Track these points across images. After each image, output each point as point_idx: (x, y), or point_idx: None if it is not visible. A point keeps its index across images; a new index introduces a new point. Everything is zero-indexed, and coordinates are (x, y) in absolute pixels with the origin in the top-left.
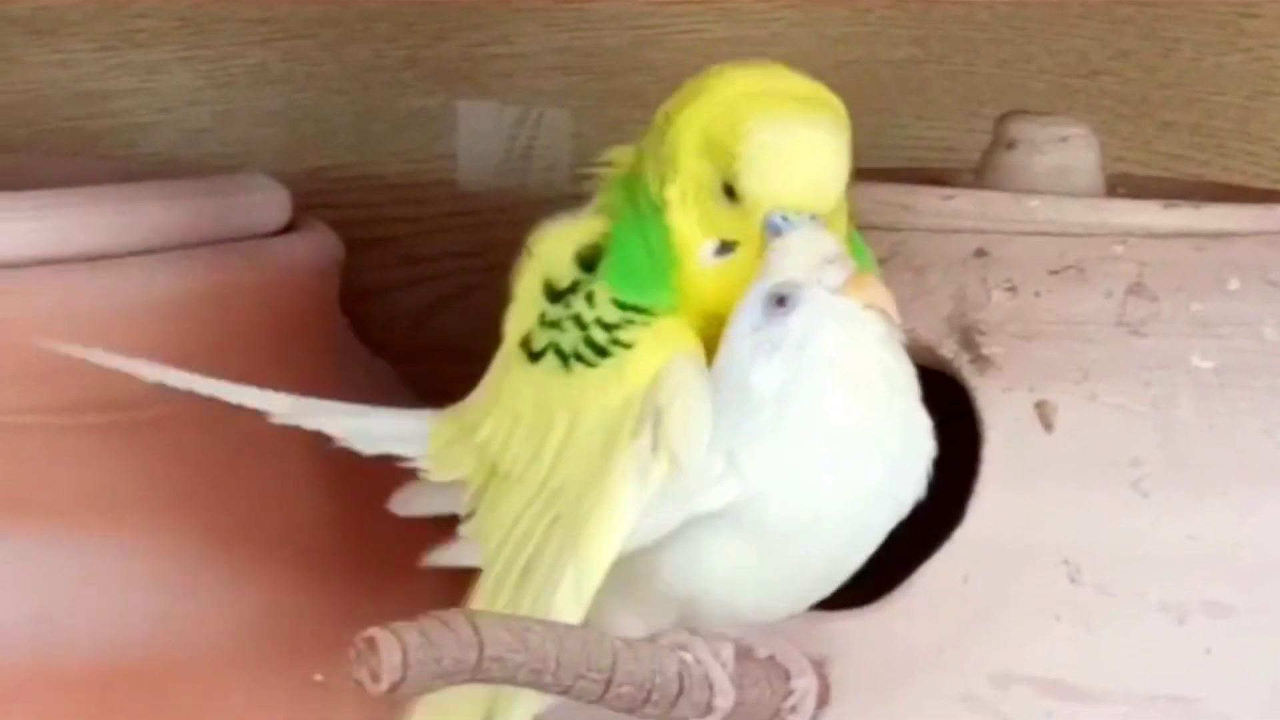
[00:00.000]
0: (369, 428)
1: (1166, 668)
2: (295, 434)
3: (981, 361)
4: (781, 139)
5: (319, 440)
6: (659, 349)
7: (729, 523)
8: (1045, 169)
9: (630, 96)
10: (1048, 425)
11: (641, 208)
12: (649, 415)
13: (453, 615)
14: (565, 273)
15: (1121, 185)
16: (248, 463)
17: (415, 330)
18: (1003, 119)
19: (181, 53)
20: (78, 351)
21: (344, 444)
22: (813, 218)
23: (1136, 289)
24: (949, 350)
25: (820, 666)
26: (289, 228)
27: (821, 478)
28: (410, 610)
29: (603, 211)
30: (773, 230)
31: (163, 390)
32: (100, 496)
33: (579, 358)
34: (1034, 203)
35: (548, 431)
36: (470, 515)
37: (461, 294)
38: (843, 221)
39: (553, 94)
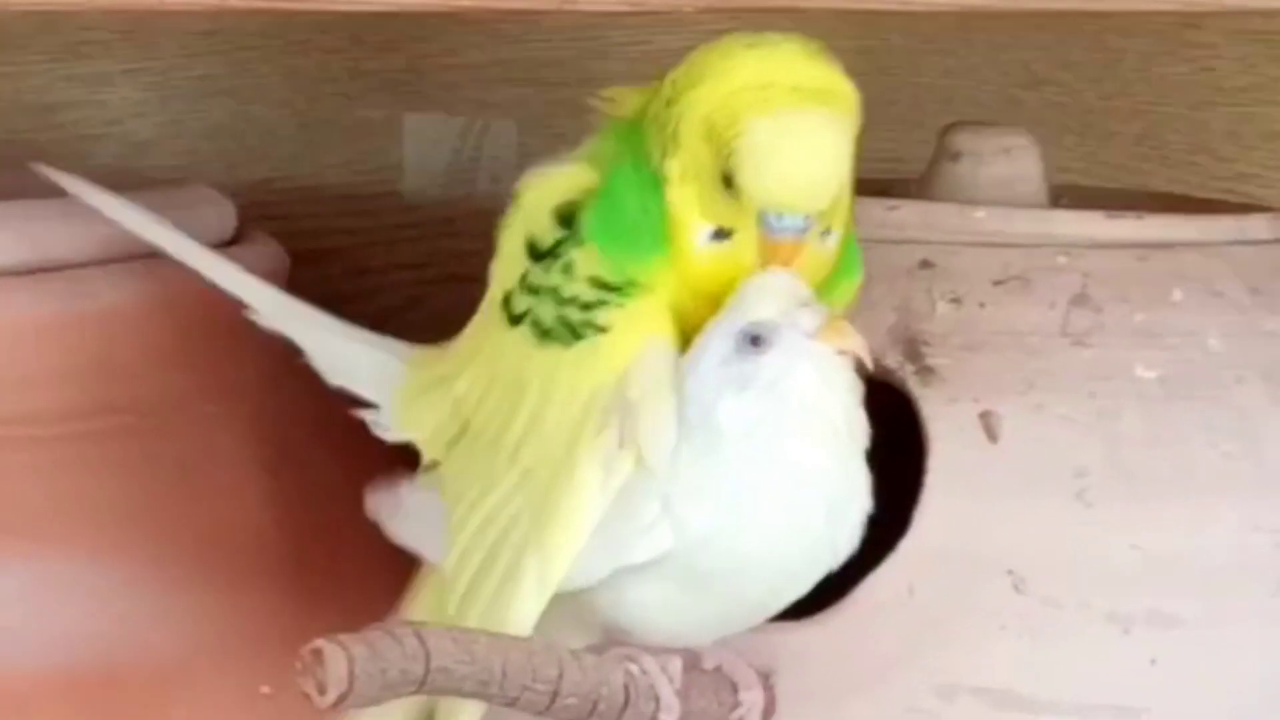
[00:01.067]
0: (341, 351)
1: (1112, 678)
2: (251, 445)
3: (926, 372)
4: (777, 139)
5: (267, 449)
6: (632, 337)
7: (656, 568)
8: (990, 180)
9: (576, 108)
10: (992, 436)
11: (640, 168)
12: (617, 408)
13: (399, 627)
14: (546, 229)
15: (1065, 196)
16: (202, 474)
17: None
18: (947, 130)
19: (127, 65)
20: None
21: (313, 362)
22: (806, 217)
23: (1080, 300)
24: (894, 361)
25: (766, 678)
26: (234, 240)
27: (770, 520)
28: (362, 622)
29: (592, 160)
30: (766, 226)
31: (114, 401)
32: (52, 507)
33: (552, 334)
34: (979, 214)
35: (519, 400)
36: (432, 466)
37: (409, 305)
38: (842, 216)
39: (498, 105)
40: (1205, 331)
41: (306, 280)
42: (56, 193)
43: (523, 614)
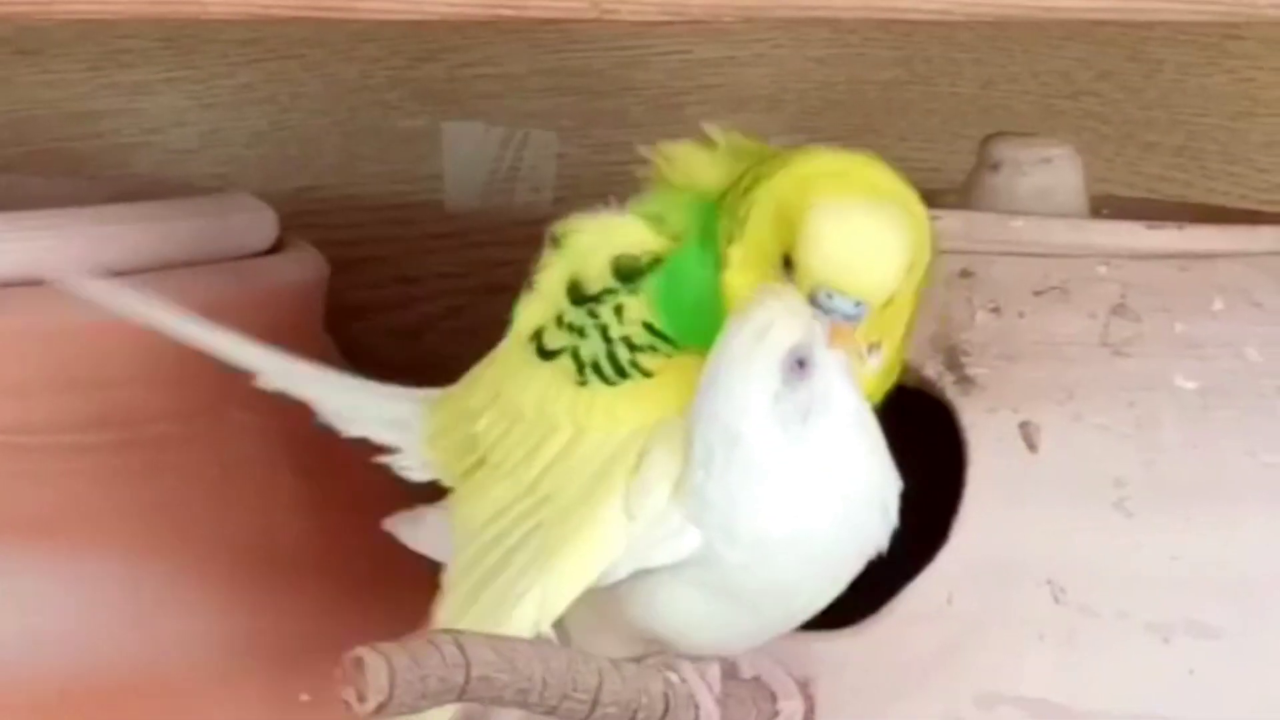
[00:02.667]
0: (355, 404)
1: (1150, 688)
2: (284, 451)
3: (966, 382)
4: (841, 219)
5: (304, 457)
6: (678, 389)
7: (691, 573)
8: (1029, 190)
9: (616, 117)
10: (1032, 446)
11: (707, 249)
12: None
13: (439, 635)
14: (597, 277)
15: (1105, 206)
16: (236, 480)
17: (401, 350)
18: (986, 140)
19: (168, 73)
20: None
21: (326, 419)
22: (858, 303)
23: (1120, 310)
24: (933, 371)
25: (805, 687)
26: (275, 248)
27: (823, 537)
28: (396, 629)
29: (651, 220)
30: (817, 305)
31: (149, 408)
32: (84, 515)
33: (597, 371)
34: (1018, 223)
35: (547, 437)
36: (450, 494)
37: (447, 314)
38: (897, 324)
39: (538, 115)
40: (1245, 342)
41: (346, 288)
42: (97, 199)
43: (519, 631)
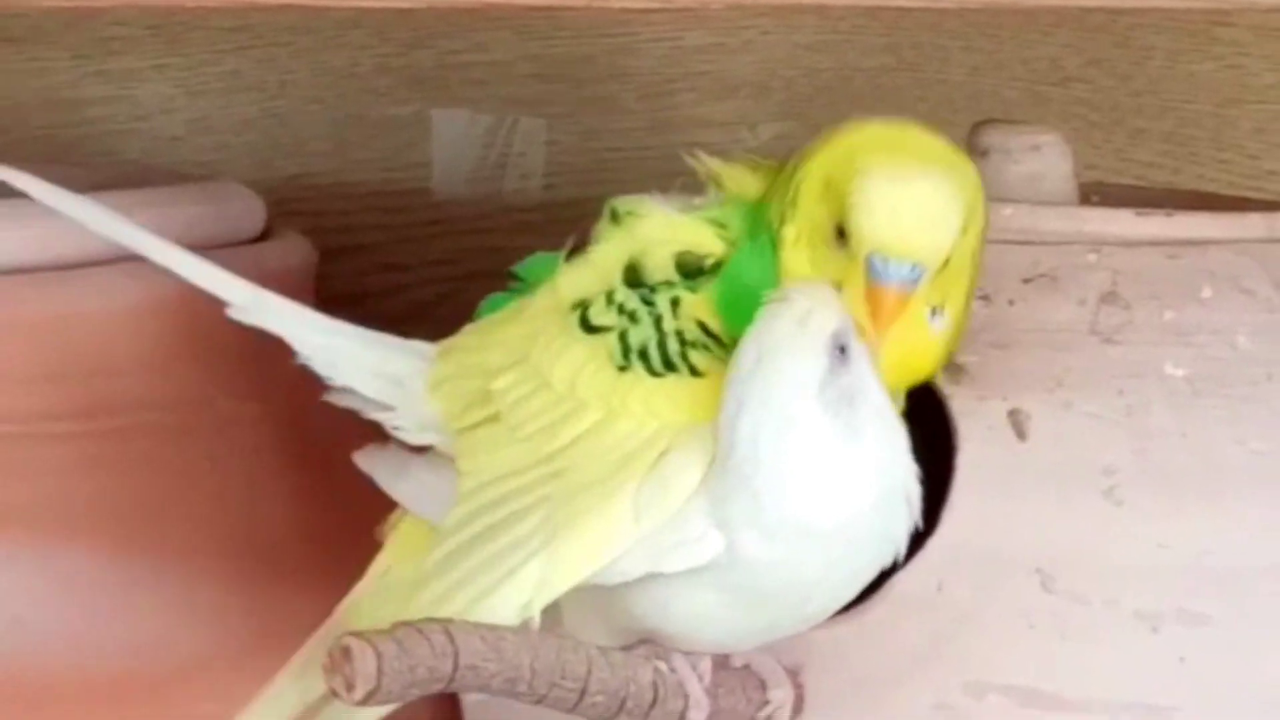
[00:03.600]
0: (342, 349)
1: (1141, 676)
2: (277, 441)
3: (955, 370)
4: (892, 184)
5: (291, 446)
6: (716, 396)
7: (708, 579)
8: (1018, 177)
9: (605, 104)
10: (1021, 434)
11: (760, 242)
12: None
13: (428, 624)
14: (659, 268)
15: (1094, 193)
16: (228, 471)
17: None
18: (975, 127)
19: (155, 61)
20: None
21: (309, 363)
22: (914, 266)
23: (1110, 297)
24: None
25: (795, 675)
26: (263, 235)
27: (860, 526)
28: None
29: (712, 225)
30: (872, 271)
31: (142, 397)
32: (69, 506)
33: (644, 358)
34: (1007, 211)
35: (574, 412)
36: (455, 436)
37: (437, 301)
38: (959, 288)
39: (527, 102)
40: (1234, 329)
41: (335, 276)
42: (86, 187)
43: (511, 606)
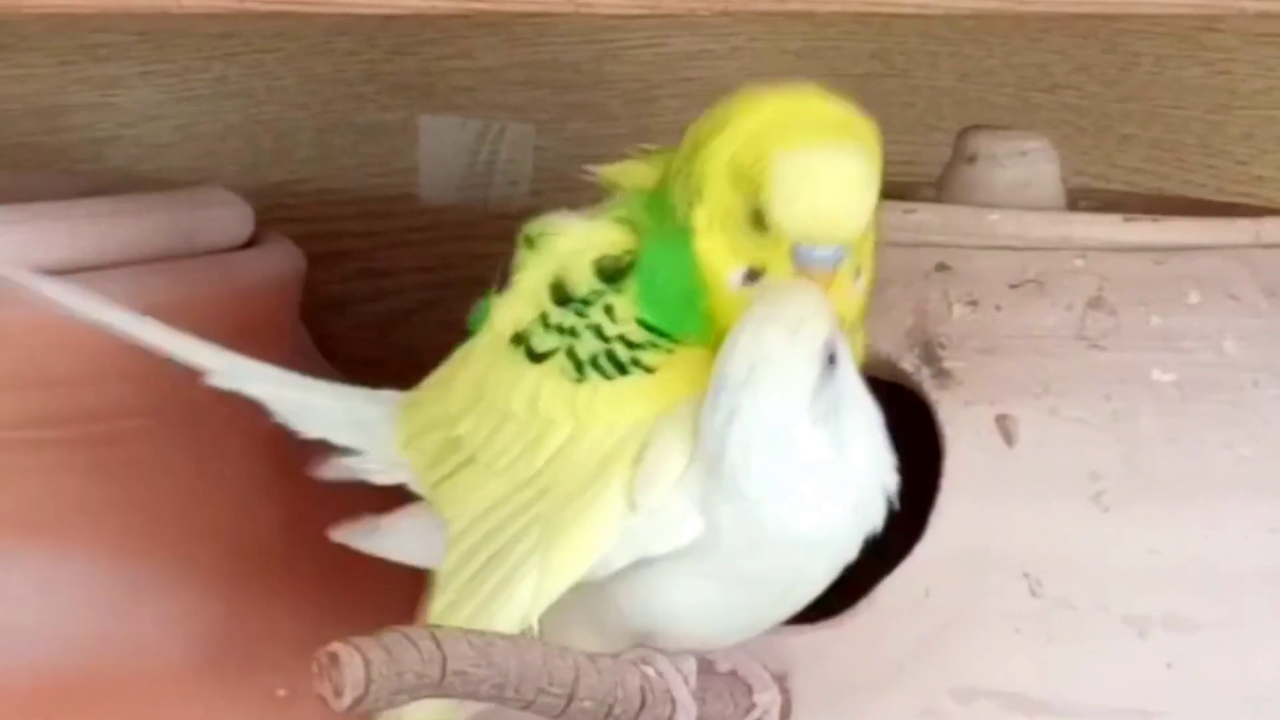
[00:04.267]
0: (312, 404)
1: (1128, 681)
2: (264, 446)
3: (943, 375)
4: (807, 170)
5: (279, 450)
6: (678, 385)
7: (691, 563)
8: (1006, 183)
9: (592, 110)
10: (1009, 439)
11: (668, 230)
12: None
13: (416, 630)
14: (582, 280)
15: (1082, 199)
16: (215, 476)
17: (377, 343)
18: (963, 133)
19: (142, 67)
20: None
21: (282, 419)
22: (838, 248)
23: (1097, 303)
24: (910, 364)
25: (782, 681)
26: (250, 242)
27: (839, 522)
28: (373, 624)
29: (622, 223)
30: (799, 259)
31: (128, 403)
32: (66, 509)
33: (597, 367)
34: (995, 217)
35: (544, 433)
36: (432, 489)
37: (423, 308)
38: (869, 246)
39: (514, 108)
40: (1222, 334)
41: (322, 282)
42: (69, 195)
43: (510, 620)
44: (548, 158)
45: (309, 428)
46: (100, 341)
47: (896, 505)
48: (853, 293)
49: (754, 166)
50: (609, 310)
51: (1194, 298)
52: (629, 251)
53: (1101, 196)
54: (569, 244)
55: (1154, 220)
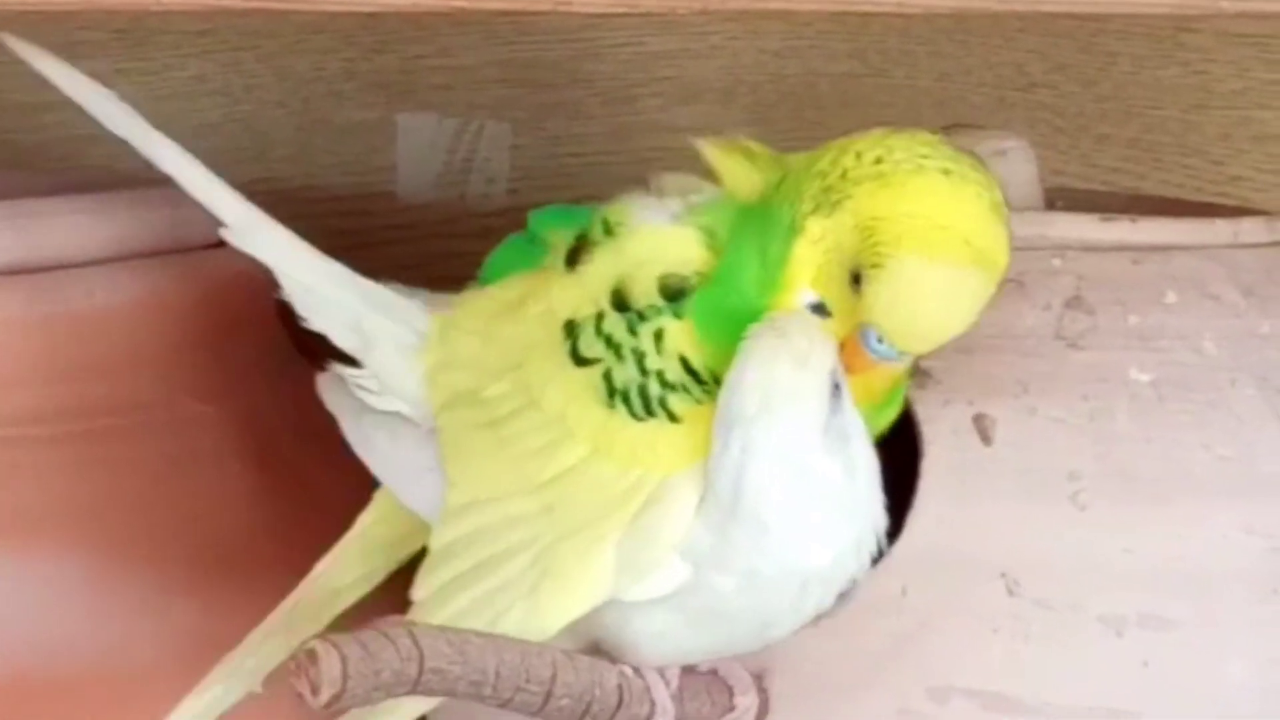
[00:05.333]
0: (320, 291)
1: (1105, 680)
2: (240, 444)
3: (921, 375)
4: (924, 285)
5: (258, 448)
6: (695, 443)
7: (674, 603)
8: None
9: (569, 109)
10: (986, 439)
11: (768, 232)
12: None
13: (393, 628)
14: (644, 292)
15: (1059, 199)
16: (191, 473)
17: None
18: (941, 132)
19: (119, 65)
20: None
21: (289, 299)
22: (903, 353)
23: (1074, 302)
24: None
25: (760, 679)
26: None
27: (841, 563)
28: (355, 621)
29: (708, 234)
30: (865, 343)
31: (104, 401)
32: (41, 507)
33: (626, 401)
34: None
35: (563, 442)
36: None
37: None
38: None
39: (492, 106)
40: (1199, 334)
41: None
42: (47, 192)
43: None
44: (525, 156)
45: (313, 317)
46: (71, 340)
47: (884, 543)
48: (893, 373)
49: (885, 243)
50: (659, 337)
51: (1171, 297)
52: (698, 272)
53: (1079, 196)
54: (641, 247)
55: (1132, 220)
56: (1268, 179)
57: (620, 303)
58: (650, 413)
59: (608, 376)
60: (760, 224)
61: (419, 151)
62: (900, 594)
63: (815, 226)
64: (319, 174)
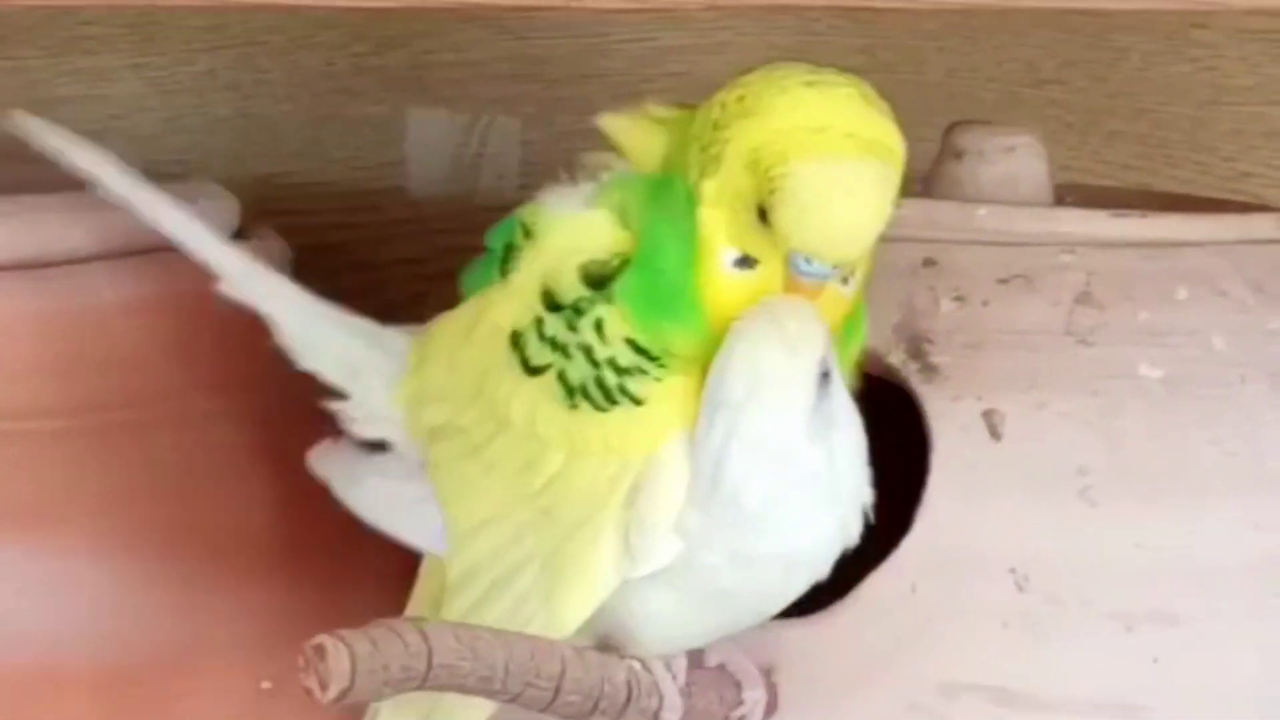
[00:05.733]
0: (312, 332)
1: (1114, 676)
2: (250, 440)
3: (929, 370)
4: (822, 186)
5: (265, 442)
6: (666, 419)
7: (668, 578)
8: (993, 178)
9: (579, 104)
10: (995, 434)
11: (673, 206)
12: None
13: (402, 623)
14: (569, 286)
15: (1069, 195)
16: (201, 469)
17: None
18: (950, 128)
19: (130, 60)
20: None
21: (283, 343)
22: (835, 266)
23: (1084, 298)
24: (897, 359)
25: (768, 675)
26: (238, 234)
27: (827, 542)
28: (366, 617)
29: (618, 213)
30: (795, 267)
31: (114, 396)
32: (51, 502)
33: (587, 397)
34: (982, 212)
35: (542, 454)
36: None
37: (411, 301)
38: (865, 264)
39: (502, 101)
40: (1209, 331)
41: (310, 276)
42: (56, 187)
43: None
44: (535, 151)
45: (306, 358)
46: (88, 334)
47: (872, 519)
48: (840, 298)
49: (773, 165)
50: (599, 327)
51: (1182, 293)
52: (617, 254)
53: (1089, 192)
54: (557, 242)
55: (1142, 216)
56: (1278, 175)
57: (552, 302)
58: (613, 401)
59: (562, 378)
60: (666, 196)
61: (429, 147)
62: (910, 590)
63: (709, 188)
64: (329, 169)
